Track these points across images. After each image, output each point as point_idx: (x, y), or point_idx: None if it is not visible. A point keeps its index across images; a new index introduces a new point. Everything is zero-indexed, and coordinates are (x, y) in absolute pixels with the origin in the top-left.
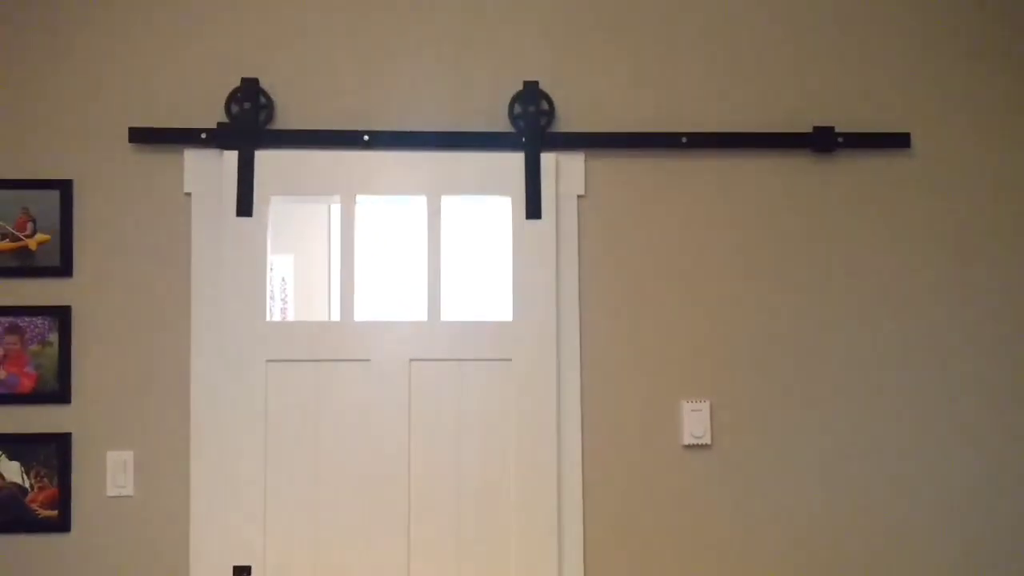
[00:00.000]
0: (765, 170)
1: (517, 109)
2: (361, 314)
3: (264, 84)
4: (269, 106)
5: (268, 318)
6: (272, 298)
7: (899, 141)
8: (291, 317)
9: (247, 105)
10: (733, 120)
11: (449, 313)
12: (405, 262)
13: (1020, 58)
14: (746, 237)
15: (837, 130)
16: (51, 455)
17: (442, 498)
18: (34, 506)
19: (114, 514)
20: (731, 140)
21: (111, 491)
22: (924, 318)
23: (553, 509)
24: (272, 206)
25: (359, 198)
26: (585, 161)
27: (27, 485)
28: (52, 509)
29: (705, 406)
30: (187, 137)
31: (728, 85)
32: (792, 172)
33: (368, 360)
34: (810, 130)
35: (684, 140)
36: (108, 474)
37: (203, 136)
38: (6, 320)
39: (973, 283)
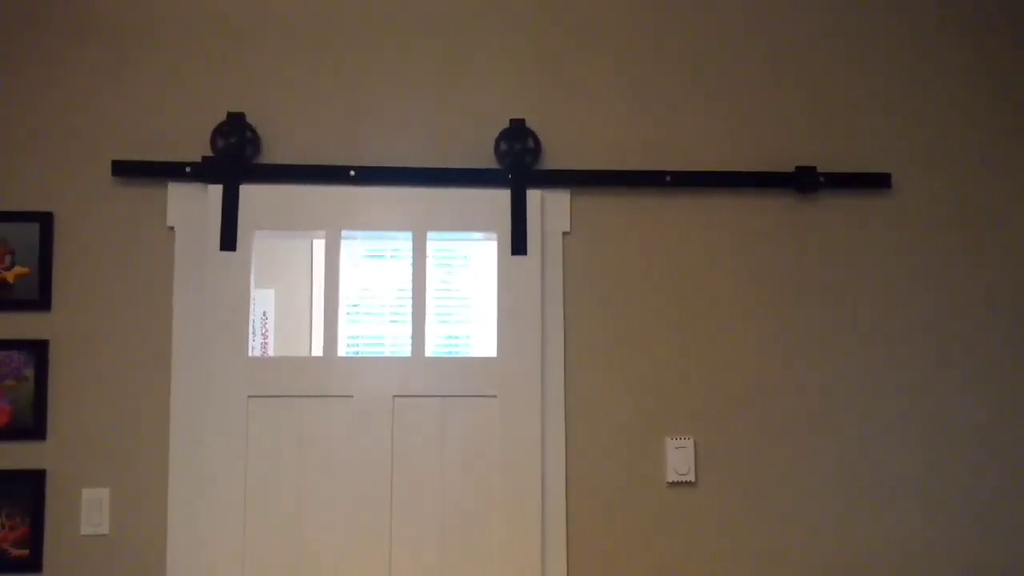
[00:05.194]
0: (748, 209)
1: (503, 146)
2: (344, 350)
3: (250, 119)
4: (255, 140)
5: (249, 353)
6: (253, 333)
7: (880, 181)
8: (271, 352)
9: (233, 139)
10: (717, 159)
11: (433, 349)
12: (389, 297)
13: (1000, 99)
14: (730, 275)
15: (819, 170)
16: (24, 492)
17: (426, 536)
18: (5, 545)
19: (88, 553)
20: (715, 179)
21: (85, 529)
22: (907, 355)
23: (537, 547)
24: (256, 241)
25: (344, 233)
26: (570, 198)
27: None
28: (23, 548)
29: (689, 443)
30: (171, 170)
31: (712, 125)
32: (775, 211)
33: (351, 396)
34: (792, 170)
35: (668, 179)
36: (83, 512)
37: (188, 170)
38: None
39: (954, 321)
